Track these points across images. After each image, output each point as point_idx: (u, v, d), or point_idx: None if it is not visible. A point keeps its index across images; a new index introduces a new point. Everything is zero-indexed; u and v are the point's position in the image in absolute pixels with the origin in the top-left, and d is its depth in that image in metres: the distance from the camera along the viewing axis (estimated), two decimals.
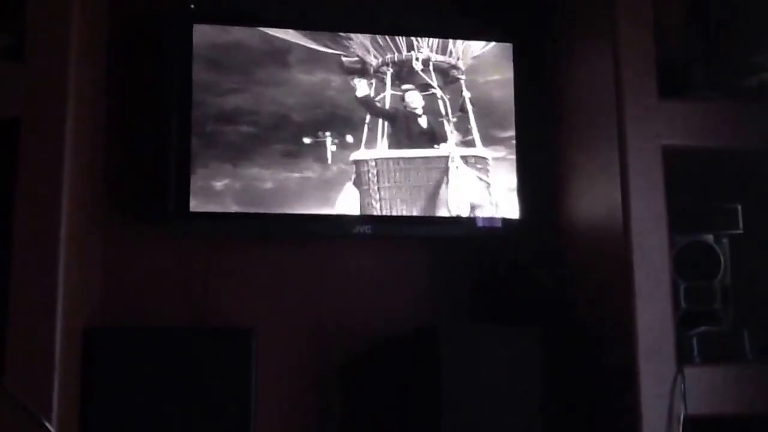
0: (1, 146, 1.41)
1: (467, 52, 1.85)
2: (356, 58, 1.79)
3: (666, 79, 1.56)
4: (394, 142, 1.79)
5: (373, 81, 1.79)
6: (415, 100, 1.81)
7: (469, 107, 1.82)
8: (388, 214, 1.75)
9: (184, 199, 1.66)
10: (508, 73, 1.85)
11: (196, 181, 1.67)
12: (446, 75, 1.83)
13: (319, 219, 1.72)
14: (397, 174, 1.78)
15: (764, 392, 1.52)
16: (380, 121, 1.79)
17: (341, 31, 1.78)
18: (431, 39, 1.83)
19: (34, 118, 1.37)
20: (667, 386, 1.46)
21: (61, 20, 1.40)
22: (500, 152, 1.82)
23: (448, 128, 1.81)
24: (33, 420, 1.29)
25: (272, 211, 1.70)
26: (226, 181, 1.69)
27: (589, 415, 1.63)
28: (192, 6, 1.71)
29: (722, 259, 1.65)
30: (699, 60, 1.69)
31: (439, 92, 1.82)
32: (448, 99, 1.82)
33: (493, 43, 1.85)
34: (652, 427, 1.45)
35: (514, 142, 1.83)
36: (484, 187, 1.81)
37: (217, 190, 1.68)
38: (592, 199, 1.66)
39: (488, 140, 1.82)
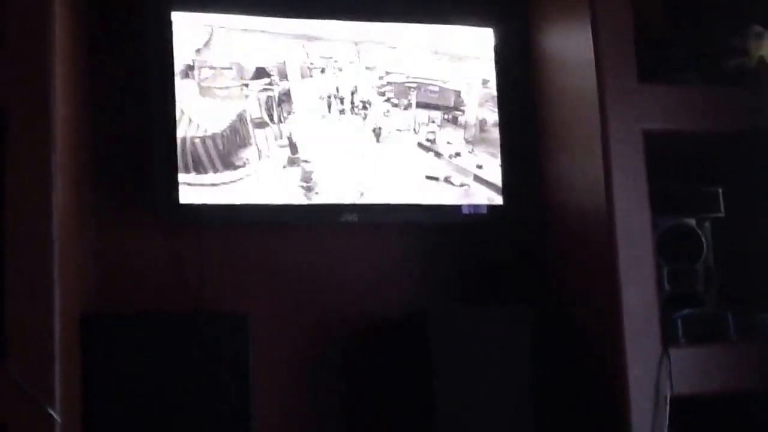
0: None
1: None
2: None
3: (645, 62, 1.58)
4: None
5: None
6: None
7: None
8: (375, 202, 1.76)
9: (172, 190, 1.65)
10: None
11: (183, 172, 1.66)
12: None
13: (307, 207, 1.72)
14: None
15: (748, 371, 1.55)
16: None
17: (320, 18, 1.77)
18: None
19: (19, 105, 1.36)
20: (654, 367, 1.48)
21: (41, 4, 1.38)
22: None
23: None
24: (37, 405, 1.28)
25: (262, 202, 1.71)
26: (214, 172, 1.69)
27: (577, 395, 1.64)
28: None
29: (704, 242, 1.67)
30: (678, 43, 1.71)
31: None
32: None
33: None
34: (640, 407, 1.47)
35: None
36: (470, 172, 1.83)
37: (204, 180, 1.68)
38: (575, 183, 1.67)
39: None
